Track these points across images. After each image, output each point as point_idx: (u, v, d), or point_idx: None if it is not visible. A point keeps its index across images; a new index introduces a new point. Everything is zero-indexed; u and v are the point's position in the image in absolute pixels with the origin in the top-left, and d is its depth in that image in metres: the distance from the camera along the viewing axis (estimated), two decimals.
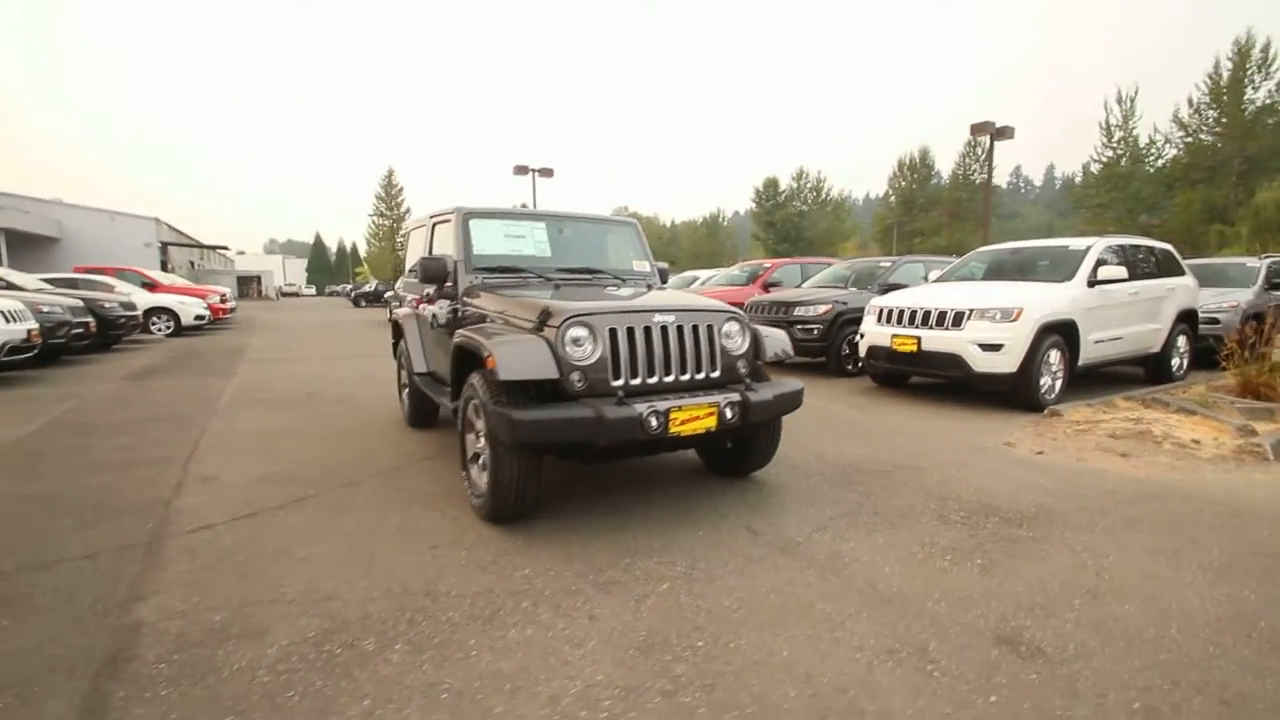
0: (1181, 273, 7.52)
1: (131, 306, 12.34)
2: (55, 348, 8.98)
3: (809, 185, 56.42)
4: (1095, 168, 38.95)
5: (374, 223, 51.24)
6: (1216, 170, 33.70)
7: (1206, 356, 7.57)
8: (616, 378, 3.14)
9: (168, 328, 14.69)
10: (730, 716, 1.83)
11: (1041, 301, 5.90)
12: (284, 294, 58.68)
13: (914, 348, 6.25)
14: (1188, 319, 7.44)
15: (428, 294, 4.60)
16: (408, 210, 51.22)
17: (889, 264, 9.08)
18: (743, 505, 3.56)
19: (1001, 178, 48.58)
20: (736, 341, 3.52)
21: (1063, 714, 1.83)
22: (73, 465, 4.30)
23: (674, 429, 3.03)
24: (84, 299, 10.47)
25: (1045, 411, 5.70)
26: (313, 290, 72.48)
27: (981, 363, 5.86)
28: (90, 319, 9.88)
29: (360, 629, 2.28)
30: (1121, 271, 6.36)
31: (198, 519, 3.33)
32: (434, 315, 4.35)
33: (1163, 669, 2.04)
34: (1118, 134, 37.39)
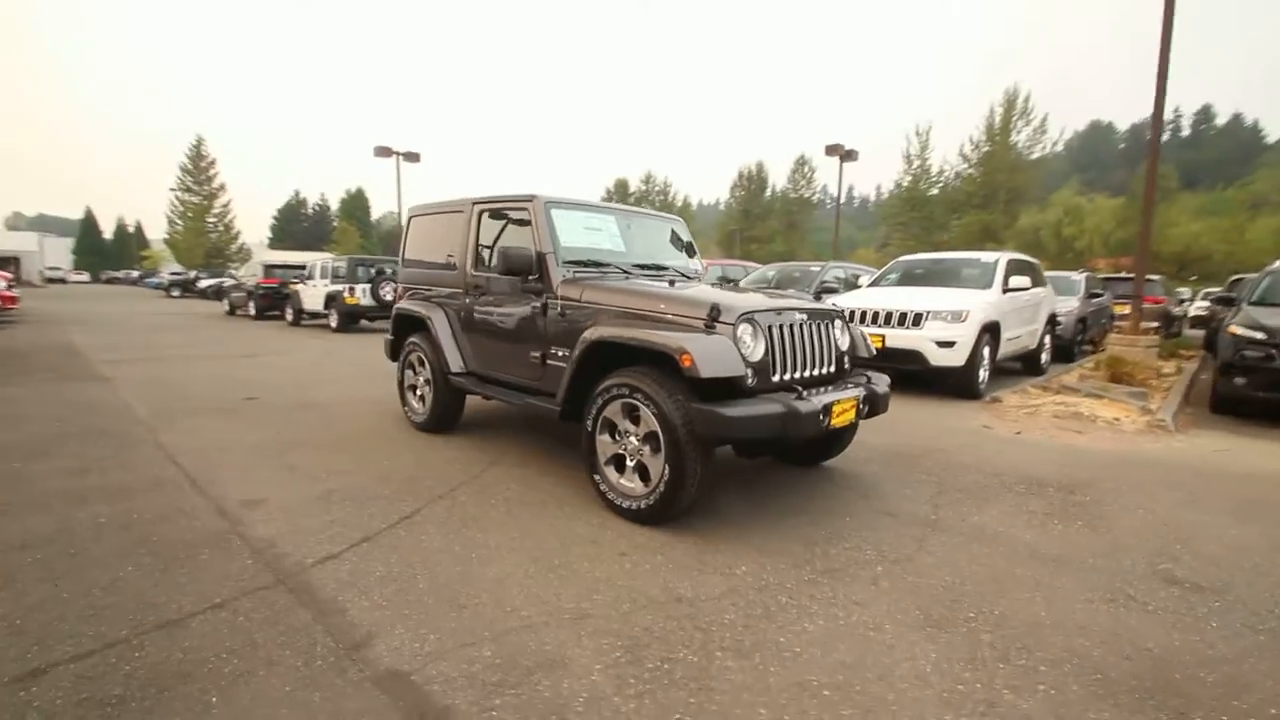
0: (1045, 283, 9.22)
1: None
2: None
3: (657, 189, 58.85)
4: (895, 189, 45.32)
5: (178, 199, 43.68)
6: (990, 198, 40.96)
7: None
8: (775, 374, 3.23)
9: None
10: (1062, 662, 2.06)
11: (980, 305, 6.94)
12: (49, 280, 47.73)
13: (880, 344, 6.99)
14: (1051, 321, 9.16)
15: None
16: (221, 186, 44.52)
17: (817, 268, 9.93)
18: (850, 493, 3.82)
19: (813, 193, 54.48)
20: (843, 340, 3.78)
21: (1260, 626, 2.33)
22: (34, 498, 3.34)
23: (834, 422, 3.21)
24: None
25: (987, 399, 6.72)
26: (85, 276, 59.90)
27: (938, 357, 6.74)
28: None
29: (660, 642, 2.16)
30: (1026, 280, 7.67)
31: (306, 550, 2.82)
32: (527, 311, 3.99)
33: None
34: (915, 162, 43.84)
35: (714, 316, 3.11)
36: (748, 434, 2.89)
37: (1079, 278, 11.27)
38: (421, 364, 4.89)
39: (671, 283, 3.89)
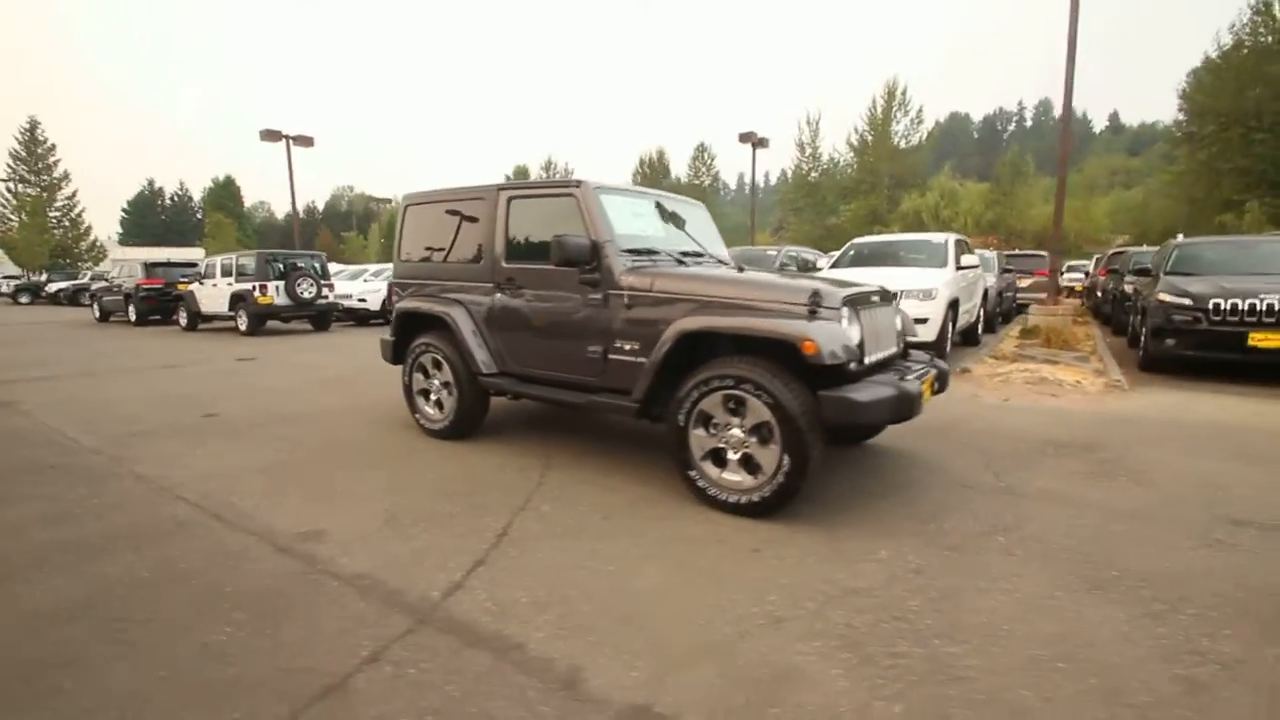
0: (978, 261, 9.99)
1: None
2: None
3: (558, 175, 57.97)
4: (787, 176, 47.47)
5: (9, 192, 37.31)
6: (875, 184, 43.81)
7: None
8: (866, 357, 3.25)
9: None
10: (1220, 606, 2.23)
11: (945, 282, 7.39)
12: None
13: None
14: (985, 296, 9.95)
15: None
16: (65, 175, 38.64)
17: (774, 252, 10.17)
18: (914, 469, 3.93)
19: (712, 180, 56.43)
20: (899, 322, 3.88)
21: None
22: (33, 554, 2.73)
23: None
24: None
25: (957, 370, 7.19)
26: None
27: (914, 334, 7.11)
28: None
29: (873, 638, 2.11)
30: (975, 259, 8.27)
31: (420, 582, 2.49)
32: (582, 304, 3.73)
33: None
34: (808, 150, 46.08)
35: (816, 303, 3.06)
36: (874, 418, 2.89)
37: (992, 255, 12.31)
38: (437, 366, 4.49)
39: (740, 269, 3.80)
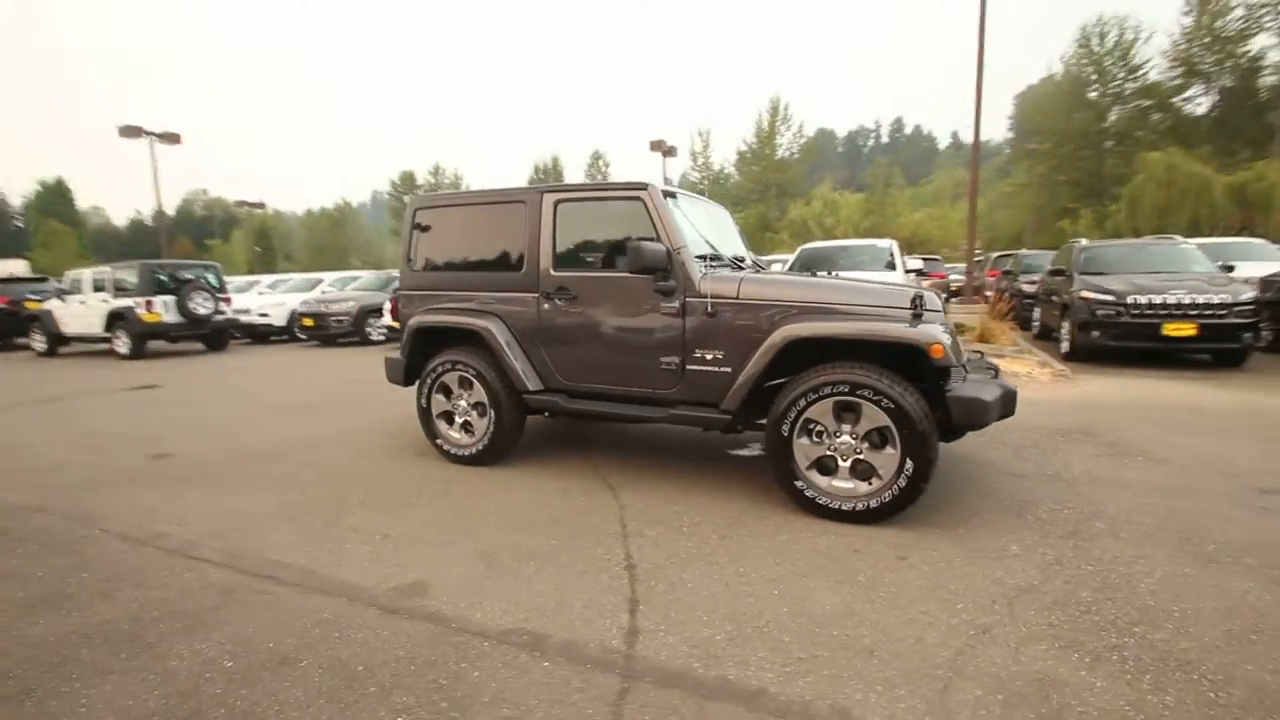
0: None
1: None
2: None
3: (447, 182, 55.76)
4: (680, 184, 48.99)
5: None
6: (764, 193, 46.13)
7: None
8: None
9: None
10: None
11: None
12: None
13: None
14: None
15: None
16: None
17: None
18: (964, 463, 4.10)
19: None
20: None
21: None
22: (61, 650, 2.11)
23: None
24: None
25: None
26: None
27: None
28: None
29: (1090, 634, 2.13)
30: (918, 263, 8.86)
31: (585, 632, 2.21)
32: (656, 314, 3.52)
33: None
34: (700, 159, 47.72)
35: (920, 306, 3.09)
36: (994, 417, 2.95)
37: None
38: (465, 386, 4.08)
39: (814, 273, 3.77)
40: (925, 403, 2.91)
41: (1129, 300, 7.16)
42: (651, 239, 3.45)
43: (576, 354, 3.79)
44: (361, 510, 3.41)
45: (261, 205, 46.52)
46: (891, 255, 8.76)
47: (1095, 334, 7.44)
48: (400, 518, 3.30)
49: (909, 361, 3.03)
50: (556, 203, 3.82)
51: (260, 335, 13.68)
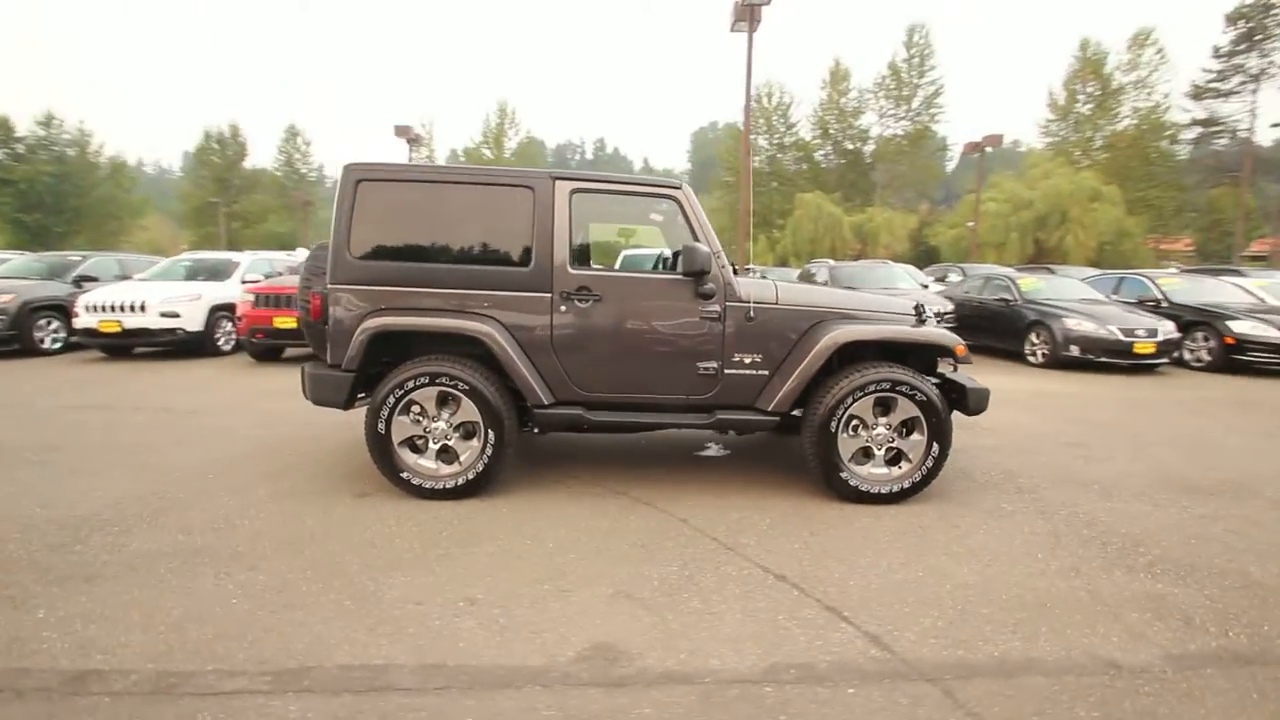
0: None
1: None
2: None
3: (67, 137, 42.05)
4: None
5: None
6: None
7: None
8: None
9: None
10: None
11: None
12: None
13: None
14: None
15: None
16: None
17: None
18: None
19: (309, 171, 50.33)
20: None
21: None
22: None
23: None
24: None
25: None
26: None
27: None
28: None
29: (1212, 621, 2.83)
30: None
31: (825, 645, 2.14)
32: (693, 317, 3.39)
33: None
34: (428, 151, 45.18)
35: (922, 312, 3.65)
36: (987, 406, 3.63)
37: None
38: (444, 404, 3.35)
39: (824, 282, 4.04)
40: (941, 395, 3.46)
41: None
42: (694, 241, 3.36)
43: (600, 361, 3.44)
44: (383, 576, 2.58)
45: None
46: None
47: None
48: (450, 575, 2.60)
49: (924, 358, 3.56)
50: (572, 192, 3.41)
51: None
